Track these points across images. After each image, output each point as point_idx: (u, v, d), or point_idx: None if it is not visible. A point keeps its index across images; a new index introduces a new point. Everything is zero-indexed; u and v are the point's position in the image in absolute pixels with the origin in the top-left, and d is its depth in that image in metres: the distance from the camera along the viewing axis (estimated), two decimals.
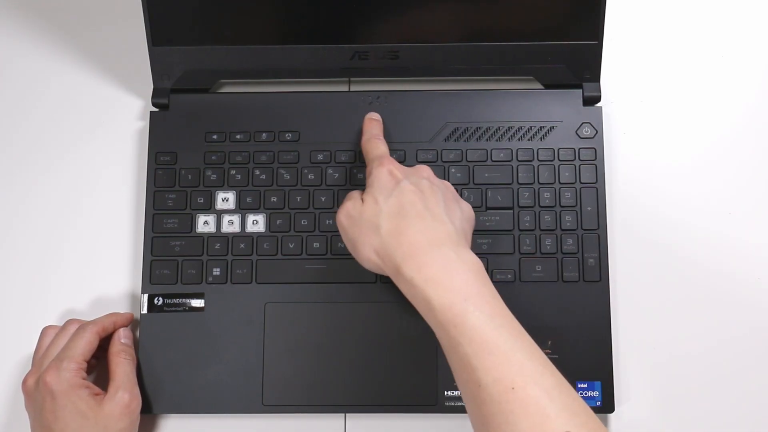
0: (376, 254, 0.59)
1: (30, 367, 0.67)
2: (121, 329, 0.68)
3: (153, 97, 0.74)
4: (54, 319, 0.71)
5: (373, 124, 0.69)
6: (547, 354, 0.66)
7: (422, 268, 0.56)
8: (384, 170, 0.62)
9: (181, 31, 0.72)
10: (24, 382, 0.65)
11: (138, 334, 0.69)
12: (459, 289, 0.54)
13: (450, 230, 0.58)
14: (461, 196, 0.71)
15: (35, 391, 0.63)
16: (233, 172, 0.72)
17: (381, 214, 0.59)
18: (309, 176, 0.72)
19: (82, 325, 0.67)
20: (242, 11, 0.72)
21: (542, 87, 0.74)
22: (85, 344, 0.65)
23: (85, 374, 0.64)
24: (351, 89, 0.76)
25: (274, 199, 0.72)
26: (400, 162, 0.71)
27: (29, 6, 0.79)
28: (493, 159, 0.72)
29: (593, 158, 0.72)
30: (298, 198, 0.72)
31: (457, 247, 0.57)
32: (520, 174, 0.72)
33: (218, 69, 0.74)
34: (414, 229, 0.57)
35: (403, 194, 0.59)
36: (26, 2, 0.79)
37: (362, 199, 0.61)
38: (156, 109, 0.74)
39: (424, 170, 0.63)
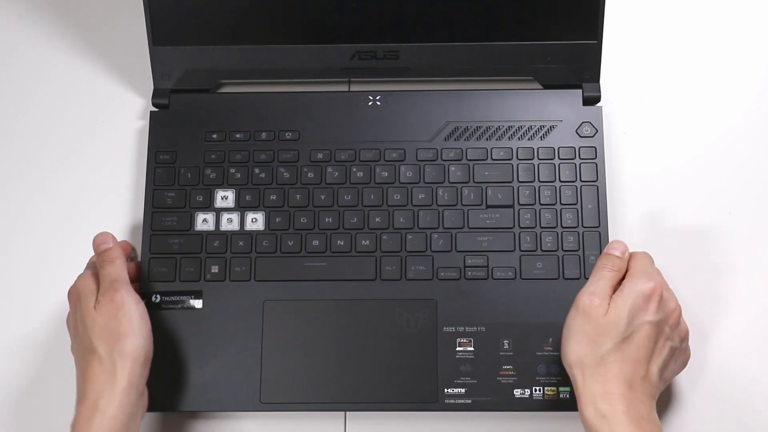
0: (581, 370, 0.61)
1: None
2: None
3: (153, 97, 0.76)
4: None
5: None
6: (547, 351, 0.67)
7: (616, 412, 0.59)
8: (647, 291, 0.62)
9: (182, 31, 0.75)
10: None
11: None
12: None
13: (650, 392, 0.61)
14: (461, 194, 0.72)
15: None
16: (233, 170, 0.74)
17: (610, 339, 0.61)
18: (308, 174, 0.74)
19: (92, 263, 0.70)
20: (242, 11, 0.74)
21: (542, 87, 0.76)
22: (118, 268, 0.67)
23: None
24: (351, 89, 0.78)
25: (274, 198, 0.73)
26: (399, 161, 0.73)
27: (31, 3, 0.81)
28: (493, 158, 0.74)
29: (593, 157, 0.73)
30: (298, 196, 0.73)
31: (650, 410, 0.60)
32: (520, 172, 0.73)
33: (218, 69, 0.76)
34: (624, 376, 0.60)
35: (640, 335, 0.61)
36: (28, 0, 0.81)
37: (608, 306, 0.62)
38: (156, 109, 0.76)
39: (675, 311, 0.64)
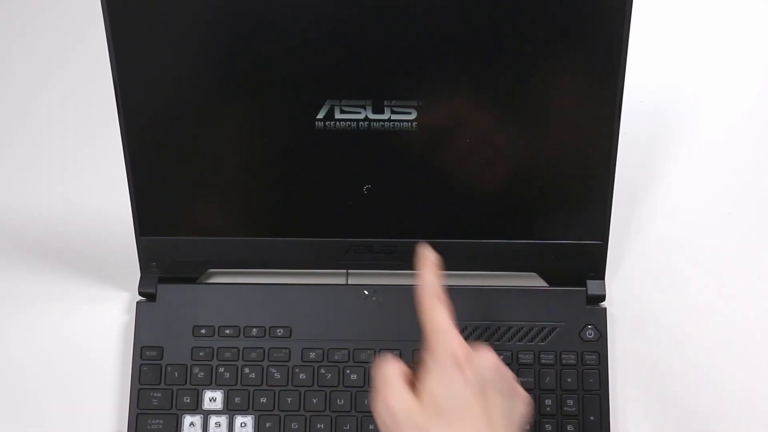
0: None
1: None
2: None
3: (140, 287, 0.75)
4: None
5: (430, 272, 0.60)
6: None
7: None
8: (450, 359, 0.55)
9: (169, 222, 0.73)
10: None
11: None
12: None
13: None
14: None
15: None
16: (221, 369, 0.73)
17: (435, 423, 0.54)
18: (300, 376, 0.72)
19: None
20: (232, 204, 0.73)
21: (545, 282, 0.75)
22: None
23: None
24: (346, 281, 0.76)
25: (264, 400, 0.72)
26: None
27: None
28: None
29: (597, 363, 0.72)
30: (289, 399, 0.72)
31: None
32: (520, 378, 0.72)
33: (207, 259, 0.75)
34: None
35: (468, 407, 0.54)
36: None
37: (417, 391, 0.55)
38: (142, 299, 0.74)
39: (489, 360, 0.56)
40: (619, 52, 0.65)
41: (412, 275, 0.75)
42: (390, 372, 0.57)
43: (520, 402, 0.59)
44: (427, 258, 0.61)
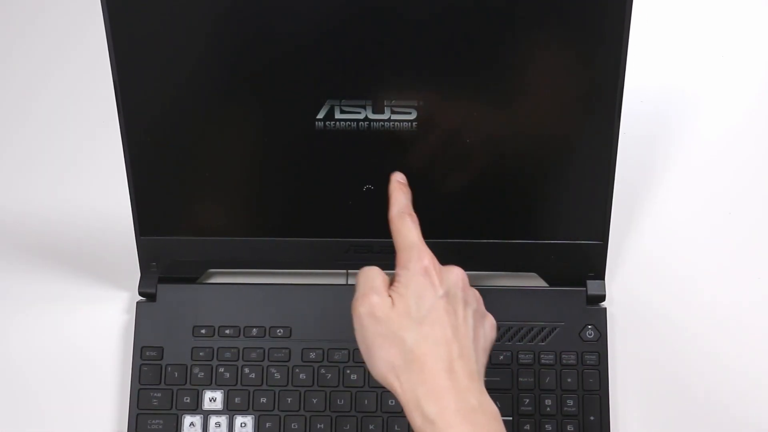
0: (395, 375, 0.57)
1: None
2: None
3: (140, 287, 0.75)
4: None
5: (401, 193, 0.62)
6: None
7: (444, 413, 0.55)
8: (421, 270, 0.58)
9: (169, 222, 0.74)
10: None
11: None
12: None
13: (473, 370, 0.57)
14: None
15: None
16: (221, 369, 0.73)
17: (409, 329, 0.57)
18: (300, 376, 0.73)
19: None
20: (232, 204, 0.73)
21: (545, 282, 0.75)
22: None
23: None
24: (346, 281, 0.77)
25: (264, 401, 0.72)
26: None
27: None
28: (493, 362, 0.72)
29: (597, 363, 0.73)
30: (289, 399, 0.72)
31: (480, 395, 0.57)
32: (520, 379, 0.72)
33: (207, 259, 0.75)
34: (440, 363, 0.56)
35: (437, 313, 0.57)
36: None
37: (391, 299, 0.58)
38: (142, 299, 0.74)
39: (459, 276, 0.60)
40: (619, 52, 0.65)
41: None
42: (377, 278, 0.59)
43: (489, 326, 0.61)
44: (397, 180, 0.63)
